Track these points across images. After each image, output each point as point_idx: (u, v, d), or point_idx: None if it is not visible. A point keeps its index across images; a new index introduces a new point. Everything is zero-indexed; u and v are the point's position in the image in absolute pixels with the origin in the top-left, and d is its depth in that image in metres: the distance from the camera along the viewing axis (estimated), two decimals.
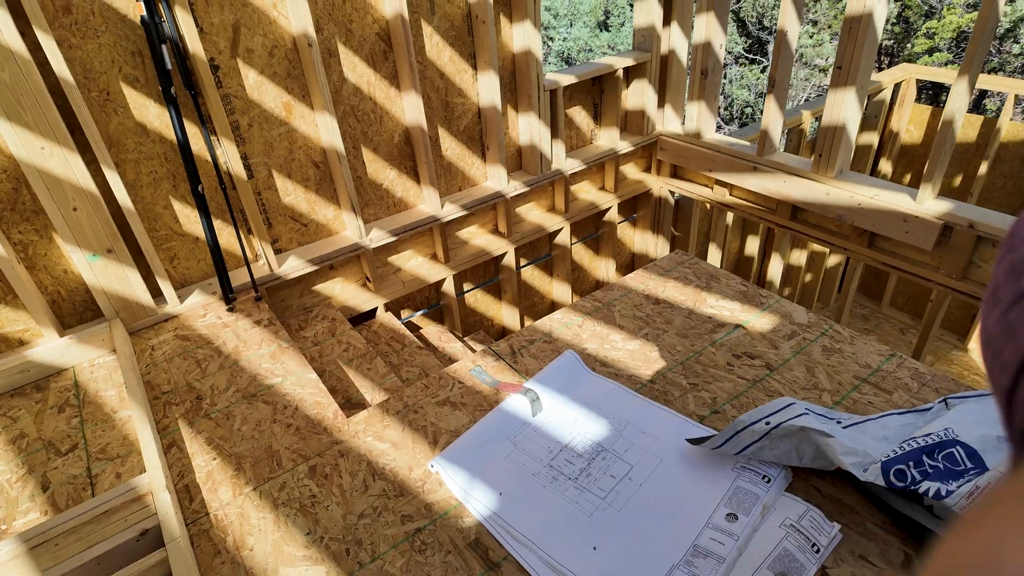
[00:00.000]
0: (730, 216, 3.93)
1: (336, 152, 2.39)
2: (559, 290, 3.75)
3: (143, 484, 1.48)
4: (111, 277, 2.10)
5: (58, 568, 1.30)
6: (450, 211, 2.82)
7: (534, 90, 2.84)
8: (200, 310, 2.29)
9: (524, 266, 3.55)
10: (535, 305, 3.77)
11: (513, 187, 3.01)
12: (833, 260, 4.85)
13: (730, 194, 3.40)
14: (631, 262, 4.18)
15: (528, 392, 1.78)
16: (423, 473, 1.57)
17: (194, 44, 1.97)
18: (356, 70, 2.40)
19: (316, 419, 1.76)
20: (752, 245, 4.35)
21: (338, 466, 1.60)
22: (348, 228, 2.63)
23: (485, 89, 2.75)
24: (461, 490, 1.52)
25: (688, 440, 1.59)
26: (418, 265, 2.95)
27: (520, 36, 2.74)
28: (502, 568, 1.34)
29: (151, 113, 2.06)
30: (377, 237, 2.64)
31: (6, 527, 1.52)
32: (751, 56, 11.23)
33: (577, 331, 2.06)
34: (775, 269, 4.02)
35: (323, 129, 2.38)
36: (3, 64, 1.71)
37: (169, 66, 1.94)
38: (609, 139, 3.43)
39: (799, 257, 4.47)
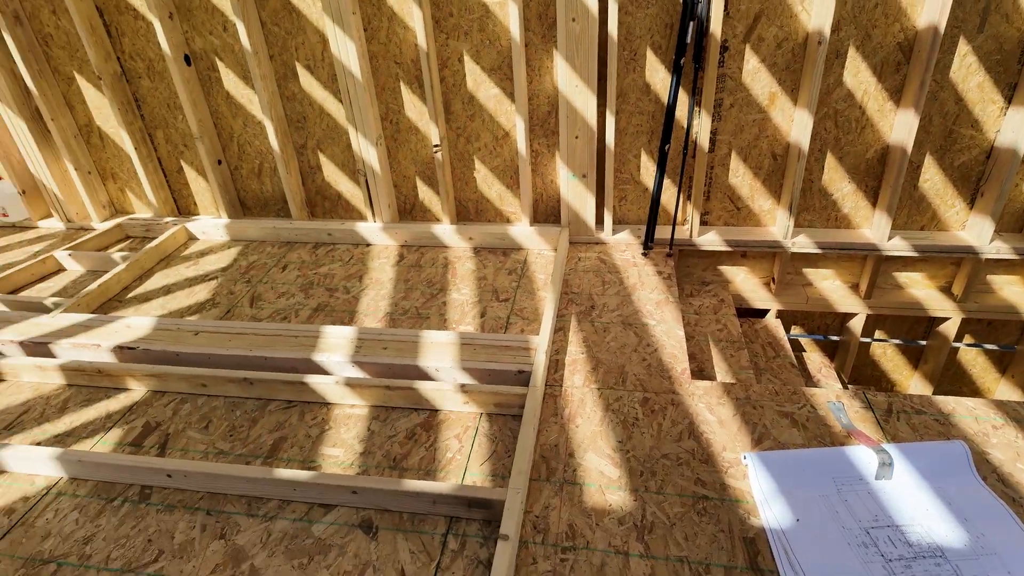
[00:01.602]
0: None
1: (799, 150, 2.41)
2: (1005, 394, 2.98)
3: (533, 341, 1.97)
4: (576, 197, 2.67)
5: (469, 363, 1.89)
6: (897, 247, 2.53)
7: None
8: (622, 246, 2.71)
9: (968, 345, 2.93)
10: (958, 395, 3.10)
11: (995, 248, 2.49)
12: None
13: None
14: None
15: (882, 453, 1.61)
16: (733, 459, 1.63)
17: (715, 25, 2.24)
18: (858, 76, 2.32)
19: (666, 366, 1.96)
20: None
21: (666, 410, 1.79)
22: (776, 225, 2.65)
23: (1012, 127, 2.29)
24: (761, 493, 1.53)
25: None
26: (832, 288, 2.77)
27: None
28: None
29: (657, 77, 2.46)
30: (801, 243, 2.59)
31: (455, 327, 2.24)
32: None
33: (988, 431, 1.70)
34: None
35: (796, 125, 2.41)
36: (579, 18, 2.30)
37: (688, 41, 2.26)
38: None
39: None
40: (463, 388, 1.79)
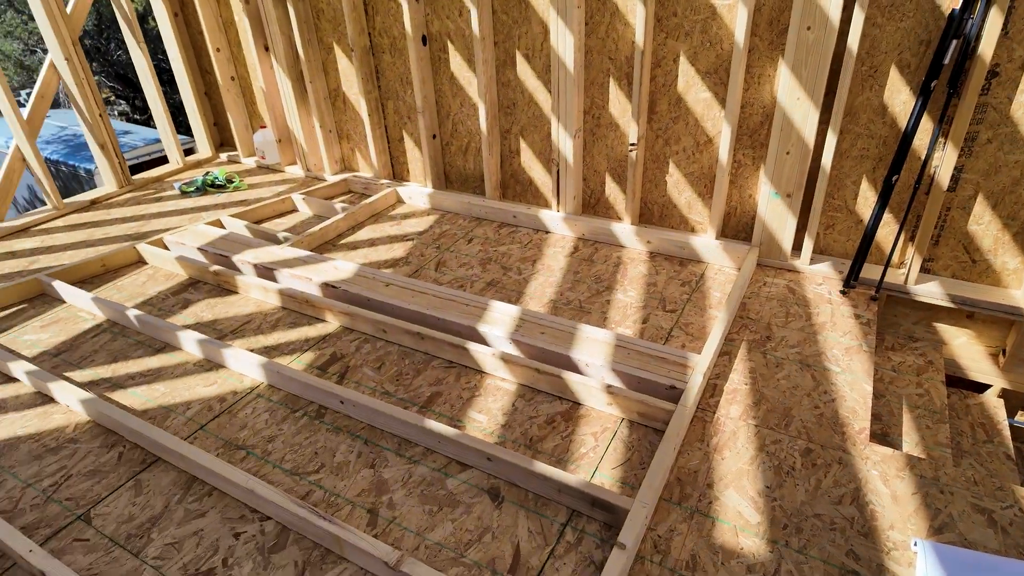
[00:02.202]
0: None
1: None
2: None
3: (693, 360, 1.88)
4: (775, 216, 2.48)
5: (621, 366, 1.87)
6: None
7: None
8: (818, 278, 2.46)
9: None
10: None
11: None
12: None
13: None
14: None
15: None
16: (900, 541, 1.42)
17: (985, 46, 1.91)
18: None
19: (841, 421, 1.76)
20: None
21: (830, 467, 1.61)
22: (1022, 289, 2.21)
23: None
24: None
25: None
26: None
27: None
28: None
29: (898, 99, 2.17)
30: None
31: (614, 327, 2.23)
32: None
33: None
34: None
35: None
36: (815, 27, 2.11)
37: (945, 62, 1.96)
38: None
39: None
40: (609, 389, 1.78)
